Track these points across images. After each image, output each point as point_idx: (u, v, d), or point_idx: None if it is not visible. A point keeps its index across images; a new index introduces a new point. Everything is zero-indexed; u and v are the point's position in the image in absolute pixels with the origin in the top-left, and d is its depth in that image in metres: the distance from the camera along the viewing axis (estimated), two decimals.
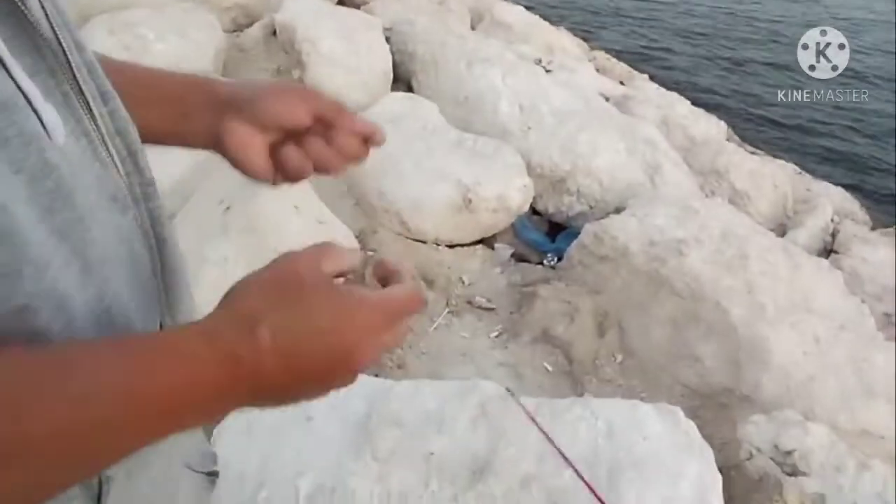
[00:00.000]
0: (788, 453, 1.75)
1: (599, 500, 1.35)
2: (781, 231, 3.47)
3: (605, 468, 1.44)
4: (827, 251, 3.42)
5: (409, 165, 2.75)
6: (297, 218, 2.20)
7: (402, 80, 4.03)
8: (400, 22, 4.24)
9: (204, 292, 1.60)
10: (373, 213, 2.74)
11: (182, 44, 3.70)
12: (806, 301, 2.33)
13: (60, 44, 0.47)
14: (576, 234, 2.80)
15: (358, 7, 4.97)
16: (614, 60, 5.56)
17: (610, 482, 1.42)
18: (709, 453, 1.55)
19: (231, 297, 0.47)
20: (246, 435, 1.58)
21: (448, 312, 2.47)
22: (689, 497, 1.43)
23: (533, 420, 1.54)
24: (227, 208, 2.21)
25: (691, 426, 1.60)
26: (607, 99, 4.08)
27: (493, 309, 2.53)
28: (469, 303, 2.53)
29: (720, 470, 1.57)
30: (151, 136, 0.61)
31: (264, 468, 1.48)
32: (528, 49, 4.48)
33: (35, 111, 0.42)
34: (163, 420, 0.43)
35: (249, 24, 4.71)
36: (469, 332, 2.42)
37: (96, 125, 0.50)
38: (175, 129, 0.65)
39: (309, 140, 0.64)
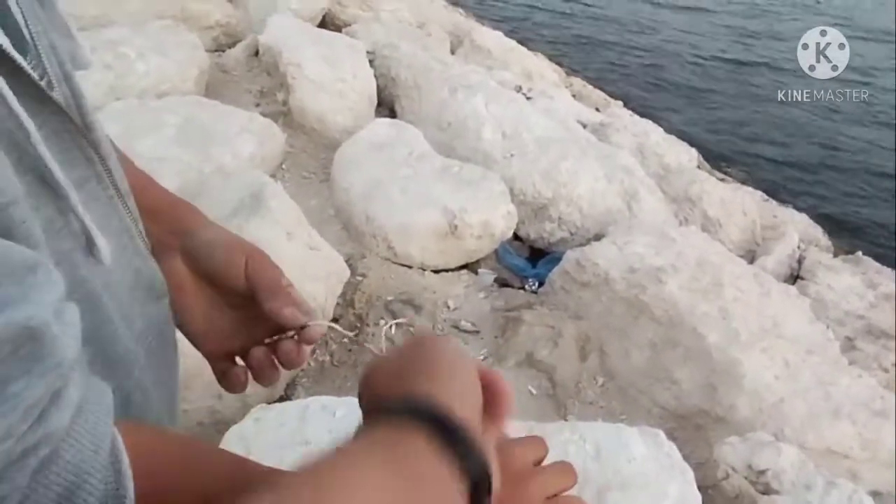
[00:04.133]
0: (762, 472, 1.85)
1: None
2: (751, 257, 3.62)
3: (595, 489, 1.52)
4: (793, 277, 3.57)
5: (395, 191, 2.82)
6: (290, 244, 2.26)
7: (384, 105, 4.11)
8: (383, 46, 4.32)
9: None
10: (360, 238, 2.81)
11: (164, 63, 3.72)
12: (776, 327, 2.45)
13: (100, 152, 0.50)
14: (557, 259, 2.89)
15: (339, 29, 5.06)
16: (590, 87, 5.72)
17: (599, 502, 1.50)
18: (689, 474, 1.63)
19: None
20: (245, 454, 1.62)
21: None
22: None
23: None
24: None
25: (672, 448, 1.69)
26: (585, 126, 4.21)
27: (478, 332, 2.61)
28: (455, 327, 2.60)
29: (699, 489, 1.66)
30: None
31: None
32: (508, 75, 4.59)
33: (87, 234, 0.45)
34: None
35: (231, 45, 4.74)
36: None
37: (135, 220, 0.54)
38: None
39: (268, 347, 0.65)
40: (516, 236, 3.20)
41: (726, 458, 1.90)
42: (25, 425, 0.32)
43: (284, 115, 3.73)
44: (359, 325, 2.48)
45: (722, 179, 5.06)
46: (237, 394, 0.67)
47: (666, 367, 2.34)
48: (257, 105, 3.91)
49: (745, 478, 1.87)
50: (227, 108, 3.32)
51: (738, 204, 3.82)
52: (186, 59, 3.85)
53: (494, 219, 2.80)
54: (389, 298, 2.58)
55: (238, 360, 0.67)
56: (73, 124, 0.46)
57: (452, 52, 5.32)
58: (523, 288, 2.96)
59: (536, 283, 2.97)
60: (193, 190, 2.58)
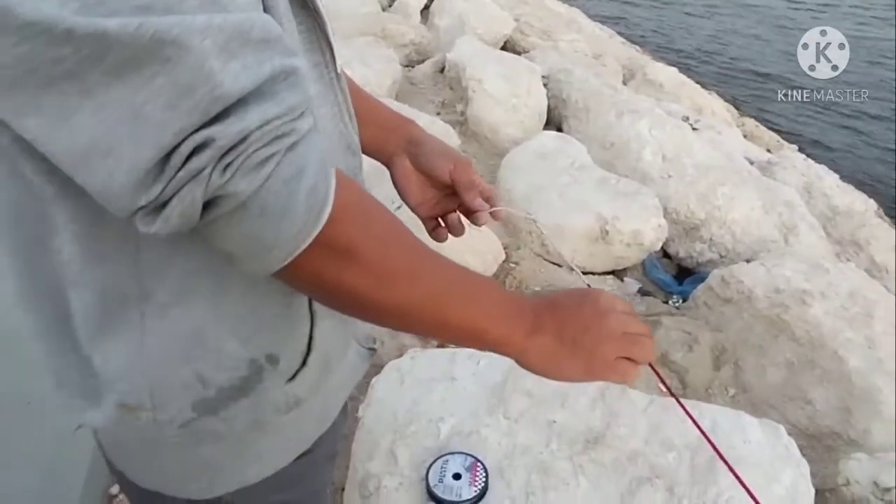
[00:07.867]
0: (887, 490, 1.85)
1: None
2: None
3: (705, 457, 1.64)
4: None
5: (554, 195, 3.04)
6: None
7: (552, 123, 4.36)
8: (558, 70, 4.59)
9: None
10: (517, 233, 3.05)
11: (365, 72, 4.21)
12: None
13: (327, 33, 0.66)
14: (702, 279, 2.96)
15: (519, 54, 5.40)
16: (763, 128, 5.64)
17: (708, 469, 1.61)
18: (805, 467, 1.69)
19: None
20: (399, 385, 1.89)
21: None
22: (781, 497, 1.59)
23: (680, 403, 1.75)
24: (398, 207, 2.59)
25: (791, 443, 1.75)
26: (752, 163, 4.20)
27: None
28: None
29: (816, 490, 1.70)
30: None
31: (413, 410, 1.78)
32: (676, 107, 4.69)
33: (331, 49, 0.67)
34: (467, 316, 0.65)
35: (421, 61, 5.24)
36: None
37: (344, 97, 0.73)
38: (375, 148, 0.93)
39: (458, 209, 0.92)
40: (665, 254, 3.31)
41: (850, 472, 1.91)
42: (288, 117, 0.50)
43: (461, 124, 4.08)
44: None
45: None
46: (441, 243, 0.94)
47: (801, 386, 2.36)
48: (438, 114, 4.30)
49: (870, 493, 1.88)
50: (414, 112, 3.71)
51: None
52: (383, 70, 4.33)
53: (645, 229, 2.94)
54: (537, 288, 2.80)
55: (440, 220, 0.95)
56: (316, 22, 0.64)
57: (624, 83, 5.48)
58: (667, 302, 3.06)
59: (680, 300, 3.05)
60: (379, 167, 2.95)
